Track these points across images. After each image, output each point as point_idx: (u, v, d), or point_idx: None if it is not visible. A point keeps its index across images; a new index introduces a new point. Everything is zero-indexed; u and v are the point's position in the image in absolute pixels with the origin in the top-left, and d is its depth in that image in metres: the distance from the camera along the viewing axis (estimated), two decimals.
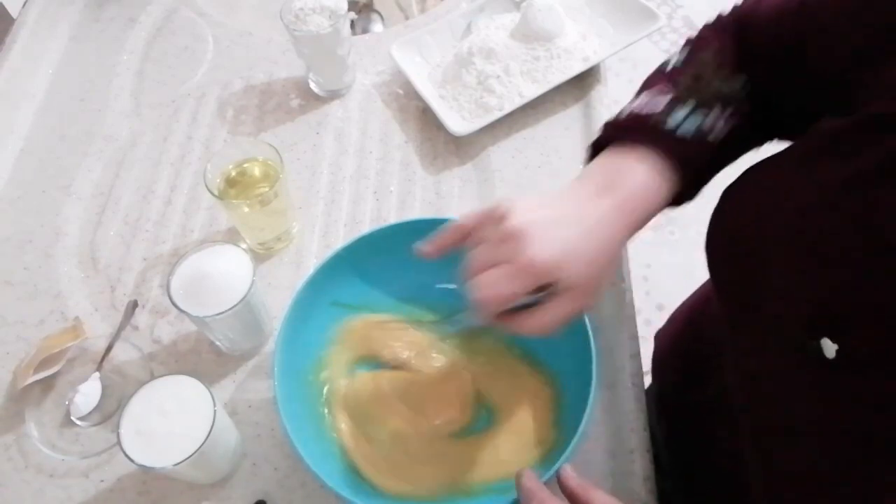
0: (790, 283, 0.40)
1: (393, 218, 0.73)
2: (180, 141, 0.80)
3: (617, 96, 0.68)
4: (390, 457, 0.57)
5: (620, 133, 0.49)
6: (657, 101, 0.49)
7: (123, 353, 0.64)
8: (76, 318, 0.66)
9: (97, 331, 0.65)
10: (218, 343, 0.63)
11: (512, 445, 0.57)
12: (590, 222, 0.45)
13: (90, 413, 0.62)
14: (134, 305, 0.67)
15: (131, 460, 0.48)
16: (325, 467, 0.52)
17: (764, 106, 0.51)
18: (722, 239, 0.47)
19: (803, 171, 0.41)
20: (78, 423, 0.61)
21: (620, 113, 0.51)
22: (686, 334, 0.67)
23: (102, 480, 0.58)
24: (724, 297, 0.49)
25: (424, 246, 0.51)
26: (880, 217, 0.35)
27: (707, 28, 0.54)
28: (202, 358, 0.64)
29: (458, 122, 0.76)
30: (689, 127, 0.48)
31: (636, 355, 0.63)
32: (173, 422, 0.50)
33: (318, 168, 0.77)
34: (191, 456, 0.48)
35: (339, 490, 0.50)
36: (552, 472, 0.48)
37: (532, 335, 0.45)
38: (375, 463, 0.57)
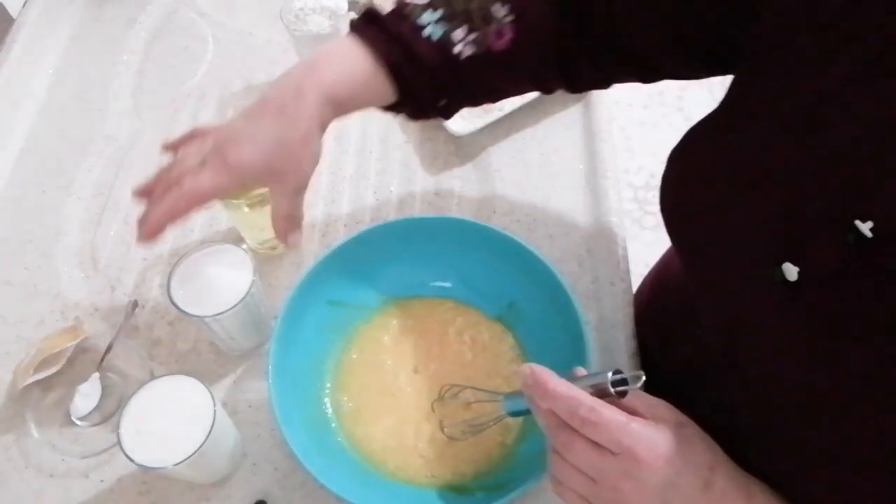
0: (744, 219, 0.42)
1: (392, 218, 0.73)
2: None
3: (616, 96, 0.68)
4: (390, 445, 0.58)
5: (364, 25, 0.53)
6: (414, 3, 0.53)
7: (123, 353, 0.64)
8: (76, 318, 0.66)
9: (97, 331, 0.65)
10: (218, 343, 0.63)
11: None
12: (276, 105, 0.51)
13: (90, 413, 0.62)
14: (134, 305, 0.67)
15: (131, 460, 0.48)
16: (323, 467, 0.52)
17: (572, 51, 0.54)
18: (673, 197, 0.49)
19: (740, 118, 0.44)
20: (78, 423, 0.61)
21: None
22: (652, 304, 0.67)
23: (102, 480, 0.58)
24: (683, 251, 0.50)
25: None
26: (825, 136, 0.37)
27: None
28: (202, 358, 0.64)
29: (458, 122, 0.76)
30: (436, 32, 0.51)
31: (636, 355, 0.63)
32: (173, 422, 0.50)
33: (318, 168, 0.76)
34: (191, 456, 0.48)
35: (337, 490, 0.50)
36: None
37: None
38: (375, 450, 0.57)
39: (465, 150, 0.78)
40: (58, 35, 0.91)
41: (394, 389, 0.61)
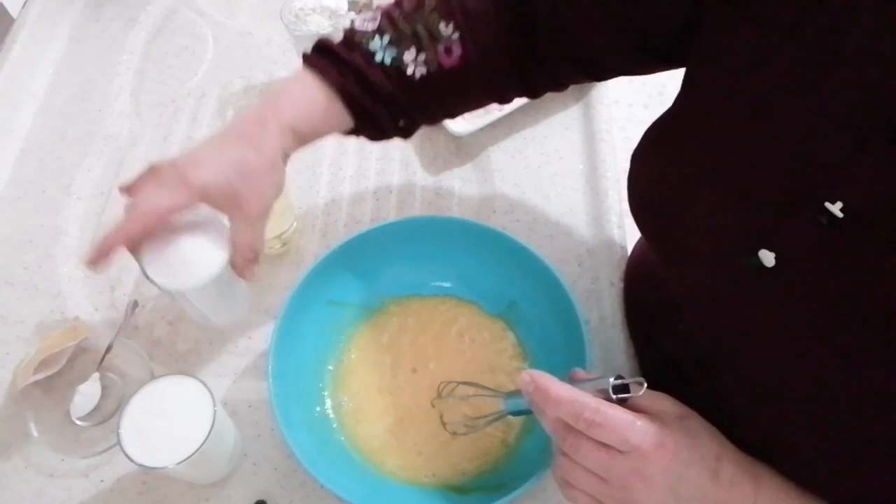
0: (714, 210, 0.42)
1: (393, 218, 0.73)
2: (180, 141, 0.80)
3: (616, 96, 0.69)
4: (390, 444, 0.58)
5: (316, 57, 0.53)
6: (364, 26, 0.53)
7: (123, 353, 0.64)
8: (76, 318, 0.66)
9: (97, 331, 0.65)
10: (195, 317, 0.61)
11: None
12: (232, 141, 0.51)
13: (90, 413, 0.62)
14: (134, 305, 0.67)
15: (131, 460, 0.48)
16: (323, 467, 0.52)
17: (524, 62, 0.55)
18: (640, 197, 0.50)
19: (699, 111, 0.44)
20: (78, 423, 0.61)
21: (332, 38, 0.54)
22: (632, 300, 0.67)
23: (102, 480, 0.58)
24: (658, 248, 0.50)
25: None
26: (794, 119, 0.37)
27: None
28: (202, 358, 0.64)
29: (458, 122, 0.76)
30: (387, 57, 0.52)
31: (636, 355, 0.63)
32: (173, 422, 0.50)
33: (318, 168, 0.77)
34: (191, 456, 0.48)
35: (337, 490, 0.50)
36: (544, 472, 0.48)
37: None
38: (376, 449, 0.57)
39: (465, 150, 0.78)
40: (58, 35, 0.91)
41: (394, 389, 0.61)
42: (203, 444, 0.49)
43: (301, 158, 0.77)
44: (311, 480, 0.50)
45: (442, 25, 0.52)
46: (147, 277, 0.50)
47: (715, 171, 0.42)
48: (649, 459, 0.40)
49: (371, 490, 0.55)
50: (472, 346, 0.63)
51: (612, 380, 0.43)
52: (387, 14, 0.53)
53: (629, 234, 0.69)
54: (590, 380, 0.46)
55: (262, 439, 0.60)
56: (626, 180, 0.52)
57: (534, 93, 0.60)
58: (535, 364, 0.61)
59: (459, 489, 0.56)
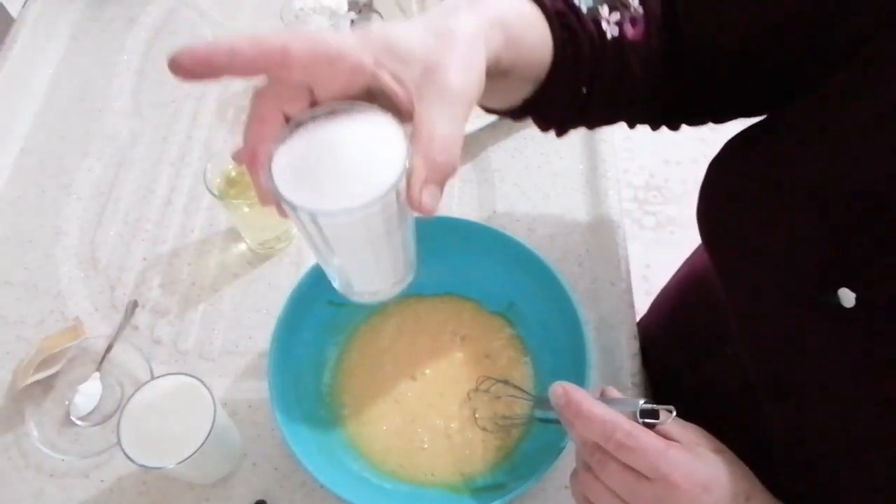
0: (794, 239, 0.39)
1: None
2: (180, 141, 0.80)
3: None
4: (390, 443, 0.58)
5: None
6: None
7: (123, 353, 0.64)
8: (76, 318, 0.66)
9: (97, 331, 0.65)
10: (335, 280, 0.41)
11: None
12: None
13: (90, 413, 0.62)
14: (134, 305, 0.67)
15: (131, 460, 0.48)
16: (323, 467, 0.52)
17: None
18: (713, 210, 0.46)
19: (800, 129, 0.40)
20: (78, 423, 0.61)
21: None
22: (675, 319, 0.66)
23: (102, 480, 0.58)
24: (721, 267, 0.47)
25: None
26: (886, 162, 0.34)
27: None
28: (202, 358, 0.64)
29: None
30: (586, 1, 0.43)
31: (636, 355, 0.63)
32: (173, 422, 0.50)
33: None
34: (191, 456, 0.48)
35: (337, 490, 0.50)
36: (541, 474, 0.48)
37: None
38: (376, 449, 0.57)
39: (465, 150, 0.77)
40: (58, 35, 0.91)
41: (393, 389, 0.61)
42: (203, 444, 0.49)
43: None
44: (311, 480, 0.50)
45: None
46: (276, 194, 0.32)
47: (805, 197, 0.39)
48: (677, 490, 0.38)
49: (371, 490, 0.55)
50: (471, 344, 0.63)
51: (641, 402, 0.42)
52: None
53: (629, 235, 0.69)
54: (618, 399, 0.45)
55: (262, 439, 0.60)
56: (700, 189, 0.47)
57: (667, 119, 0.52)
58: (536, 364, 0.61)
59: (459, 489, 0.56)
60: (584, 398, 0.42)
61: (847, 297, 0.36)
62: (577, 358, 0.56)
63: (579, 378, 0.54)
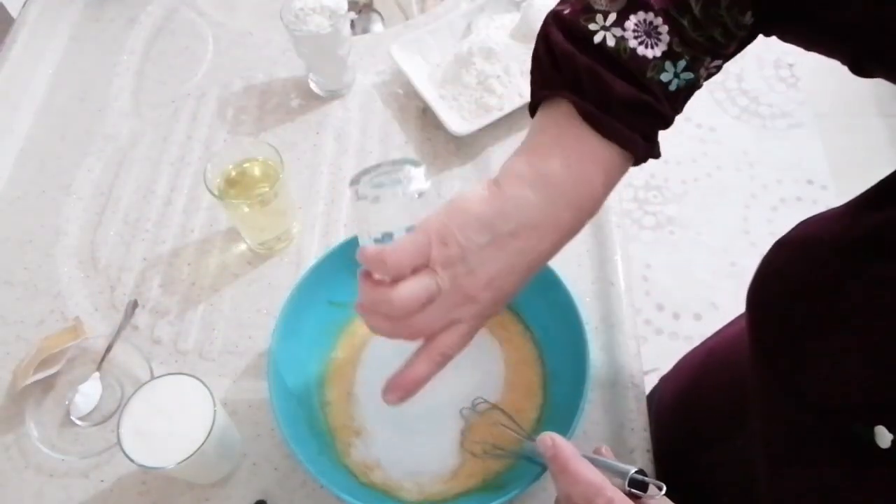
0: (843, 360, 0.36)
1: None
2: (180, 141, 0.80)
3: None
4: (390, 442, 0.57)
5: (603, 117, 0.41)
6: (644, 50, 0.39)
7: (123, 353, 0.64)
8: (76, 318, 0.66)
9: (97, 331, 0.65)
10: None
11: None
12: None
13: (90, 413, 0.62)
14: (134, 305, 0.67)
15: (131, 460, 0.48)
16: (323, 467, 0.52)
17: None
18: (770, 299, 0.42)
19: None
20: (78, 423, 0.61)
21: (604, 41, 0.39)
22: (693, 393, 0.64)
23: (102, 480, 0.58)
24: (760, 359, 0.44)
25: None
26: None
27: None
28: (202, 358, 0.64)
29: (458, 122, 0.76)
30: (680, 82, 0.40)
31: (636, 355, 0.63)
32: (173, 422, 0.50)
33: (318, 168, 0.77)
34: (191, 456, 0.48)
35: (337, 490, 0.50)
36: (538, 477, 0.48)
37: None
38: (372, 461, 0.57)
39: (465, 150, 0.78)
40: (58, 35, 0.91)
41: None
42: (203, 444, 0.49)
43: (301, 158, 0.78)
44: (311, 480, 0.50)
45: (746, 17, 0.39)
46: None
47: (861, 302, 0.35)
48: None
49: (371, 490, 0.55)
50: (471, 346, 0.63)
51: (632, 471, 0.41)
52: (670, 22, 0.38)
53: (629, 235, 0.68)
54: (611, 461, 0.44)
55: (262, 439, 0.60)
56: (759, 266, 0.44)
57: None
58: (536, 364, 0.61)
59: (458, 489, 0.56)
60: (571, 456, 0.41)
61: (883, 437, 0.33)
62: (577, 358, 0.56)
63: (579, 378, 0.54)
